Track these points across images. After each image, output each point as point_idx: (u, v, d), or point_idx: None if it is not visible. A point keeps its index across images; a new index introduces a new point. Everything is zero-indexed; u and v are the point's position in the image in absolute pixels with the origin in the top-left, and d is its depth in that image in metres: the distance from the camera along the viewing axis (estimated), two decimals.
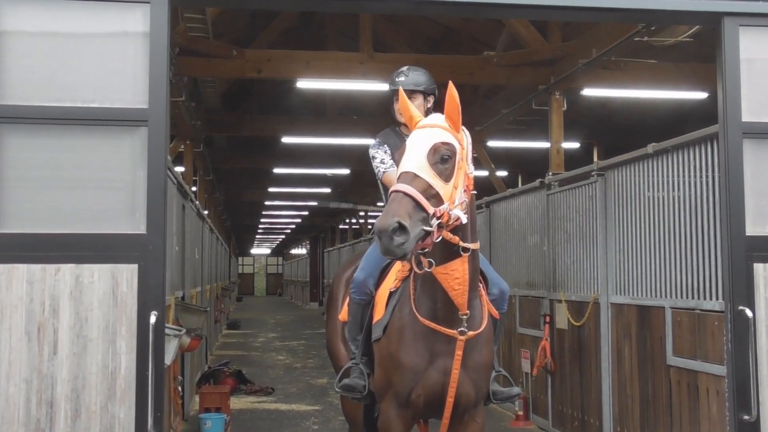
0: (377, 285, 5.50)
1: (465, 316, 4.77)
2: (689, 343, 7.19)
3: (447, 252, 4.64)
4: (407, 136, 5.87)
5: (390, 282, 5.31)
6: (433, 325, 4.81)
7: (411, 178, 4.29)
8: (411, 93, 5.76)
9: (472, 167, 5.25)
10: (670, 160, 7.59)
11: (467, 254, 4.70)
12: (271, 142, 22.02)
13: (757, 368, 6.05)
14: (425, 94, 5.84)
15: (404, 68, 5.91)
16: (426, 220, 4.22)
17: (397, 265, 5.30)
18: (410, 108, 4.81)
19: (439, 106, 5.08)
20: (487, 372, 5.04)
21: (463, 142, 4.70)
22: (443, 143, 4.47)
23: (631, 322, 8.20)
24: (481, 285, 5.14)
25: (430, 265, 4.56)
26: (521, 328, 11.16)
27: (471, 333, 4.80)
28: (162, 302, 5.61)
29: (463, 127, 4.86)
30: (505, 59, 13.44)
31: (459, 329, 4.76)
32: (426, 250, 4.44)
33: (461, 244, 4.64)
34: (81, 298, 5.52)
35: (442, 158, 4.42)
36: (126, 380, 5.51)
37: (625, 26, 10.73)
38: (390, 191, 4.28)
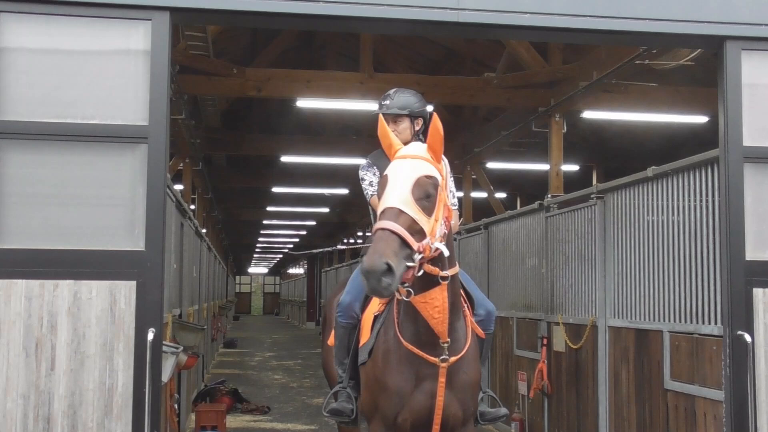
0: (363, 308, 5.48)
1: (446, 344, 4.76)
2: (687, 367, 7.16)
3: (426, 281, 4.59)
4: None
5: (375, 306, 5.29)
6: (416, 350, 4.81)
7: (396, 214, 4.24)
8: (397, 116, 5.72)
9: (451, 194, 5.25)
10: (670, 183, 7.58)
11: (446, 282, 4.66)
12: (270, 162, 22.08)
13: (755, 393, 6.05)
14: (412, 117, 5.73)
15: (391, 91, 5.81)
16: (410, 256, 4.20)
17: None
18: (390, 135, 4.77)
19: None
20: (474, 391, 5.03)
21: (443, 172, 4.69)
22: (426, 176, 4.44)
23: (629, 345, 8.17)
24: (465, 305, 5.12)
25: (409, 294, 4.52)
26: (518, 351, 11.13)
27: (452, 359, 4.79)
28: (160, 319, 5.62)
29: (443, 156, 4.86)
30: (506, 81, 13.49)
31: (441, 357, 4.75)
32: (405, 284, 4.40)
33: (440, 273, 4.61)
34: (79, 314, 5.53)
35: (427, 194, 4.39)
36: (123, 397, 5.52)
37: (626, 49, 10.79)
38: (375, 228, 4.22)
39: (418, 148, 4.67)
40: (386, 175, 4.52)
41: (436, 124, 4.57)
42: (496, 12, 6.00)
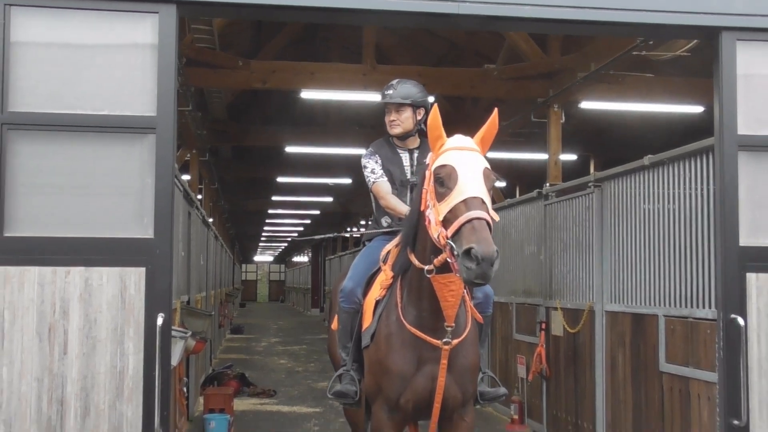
0: (365, 294, 5.48)
1: (450, 328, 4.76)
2: (682, 350, 7.19)
3: (446, 264, 4.53)
4: (400, 147, 5.93)
5: (376, 291, 5.29)
6: (419, 333, 4.82)
7: (480, 203, 4.25)
8: (400, 106, 5.76)
9: None
10: (666, 172, 7.59)
11: None
12: (275, 152, 22.04)
13: (747, 375, 6.06)
14: (414, 106, 5.78)
15: (395, 81, 5.85)
16: None
17: (382, 275, 5.29)
18: (440, 127, 4.65)
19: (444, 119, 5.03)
20: (473, 374, 5.03)
21: None
22: (488, 168, 4.48)
23: (626, 329, 8.20)
24: (465, 290, 5.12)
25: (431, 272, 4.57)
26: (517, 335, 11.16)
27: (455, 341, 4.79)
28: (169, 305, 5.63)
29: None
30: (506, 72, 13.47)
31: (443, 339, 4.76)
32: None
33: None
34: (90, 300, 5.54)
35: (491, 185, 4.46)
36: (134, 380, 5.53)
37: (624, 40, 10.77)
38: (472, 217, 4.17)
39: (469, 141, 4.63)
40: (450, 165, 4.43)
41: (495, 120, 4.59)
42: (497, 4, 5.98)
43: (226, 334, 26.66)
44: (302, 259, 64.95)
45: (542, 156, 15.14)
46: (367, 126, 18.34)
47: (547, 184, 11.60)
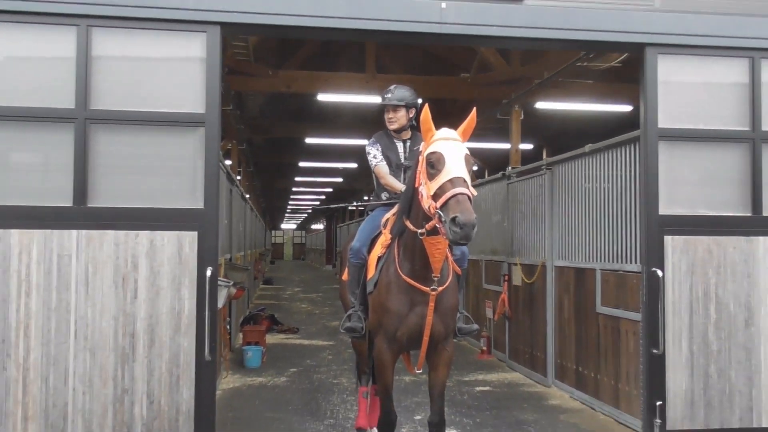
0: (369, 252, 5.46)
1: (437, 278, 4.78)
2: (614, 296, 7.23)
3: (436, 229, 4.55)
4: (396, 138, 5.87)
5: (377, 250, 5.27)
6: (412, 282, 4.80)
7: (462, 181, 4.25)
8: (396, 106, 5.71)
9: None
10: (602, 157, 7.59)
11: None
12: (297, 142, 21.91)
13: (664, 315, 6.11)
14: (407, 107, 5.74)
15: (392, 87, 5.80)
16: None
17: (383, 237, 5.27)
18: (430, 122, 4.62)
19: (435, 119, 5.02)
20: (453, 313, 5.02)
21: None
22: (468, 155, 4.46)
23: (570, 280, 8.24)
24: (448, 249, 5.13)
25: (422, 234, 4.59)
26: (486, 285, 11.19)
27: (440, 288, 4.79)
28: (215, 260, 5.66)
29: None
30: (477, 80, 13.40)
31: (431, 287, 4.76)
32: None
33: None
34: (155, 256, 5.57)
35: (471, 168, 4.44)
36: (188, 318, 5.58)
37: (570, 54, 10.71)
38: (456, 192, 4.19)
39: (453, 132, 4.58)
40: (439, 152, 4.40)
41: (473, 116, 4.58)
42: (470, 25, 5.97)
43: (260, 284, 26.68)
44: (318, 226, 64.88)
45: (506, 145, 15.07)
46: (369, 122, 18.21)
47: (510, 168, 11.57)
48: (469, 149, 4.57)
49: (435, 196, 4.29)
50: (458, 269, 5.28)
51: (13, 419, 5.37)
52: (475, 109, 4.70)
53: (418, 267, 4.78)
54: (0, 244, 5.39)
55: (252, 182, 26.92)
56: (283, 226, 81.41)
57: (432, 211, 4.32)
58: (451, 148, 4.43)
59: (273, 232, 72.10)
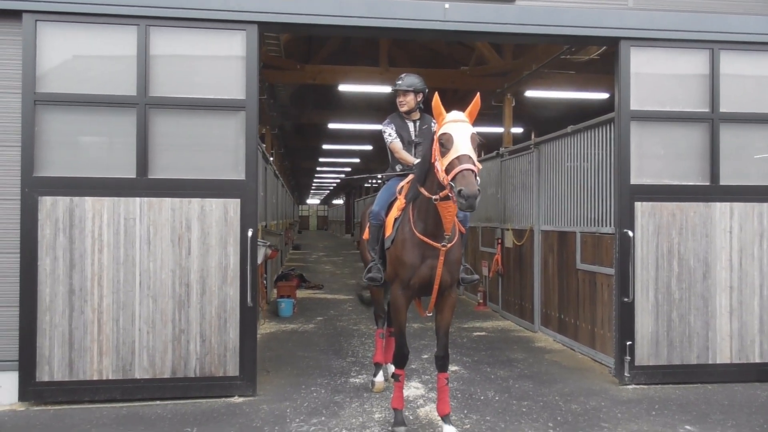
0: (386, 214, 5.50)
1: (447, 236, 4.85)
2: (591, 254, 7.27)
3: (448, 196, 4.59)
4: (407, 119, 5.85)
5: (394, 212, 5.30)
6: (425, 239, 4.84)
7: (468, 158, 4.26)
8: (406, 92, 5.70)
9: None
10: (583, 137, 7.59)
11: None
12: (321, 127, 21.88)
13: (634, 269, 6.18)
14: (415, 92, 5.73)
15: (403, 75, 5.80)
16: None
17: (398, 202, 5.30)
18: (441, 107, 4.61)
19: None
20: (458, 265, 5.05)
21: None
22: (474, 134, 4.45)
23: (554, 242, 8.28)
24: None
25: (437, 200, 4.65)
26: (482, 247, 11.24)
27: (449, 245, 4.85)
28: (255, 223, 5.75)
29: None
30: (475, 72, 13.34)
31: (442, 243, 4.82)
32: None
33: None
34: (205, 219, 5.67)
35: (476, 146, 4.43)
36: (233, 272, 5.68)
37: (555, 47, 10.66)
38: (463, 168, 4.22)
39: (461, 114, 4.57)
40: (449, 133, 4.40)
41: (478, 100, 4.57)
42: (468, 22, 5.98)
43: (290, 249, 26.80)
44: (339, 201, 64.89)
45: (499, 129, 15.05)
46: (382, 109, 18.20)
47: (503, 148, 11.60)
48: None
49: (447, 170, 4.35)
50: (463, 229, 5.35)
51: (90, 353, 5.54)
52: (479, 93, 4.72)
53: (431, 226, 4.82)
54: (77, 210, 5.53)
55: (282, 163, 26.92)
56: (309, 201, 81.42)
57: (445, 182, 4.37)
58: (459, 129, 4.45)
59: (300, 206, 72.22)
